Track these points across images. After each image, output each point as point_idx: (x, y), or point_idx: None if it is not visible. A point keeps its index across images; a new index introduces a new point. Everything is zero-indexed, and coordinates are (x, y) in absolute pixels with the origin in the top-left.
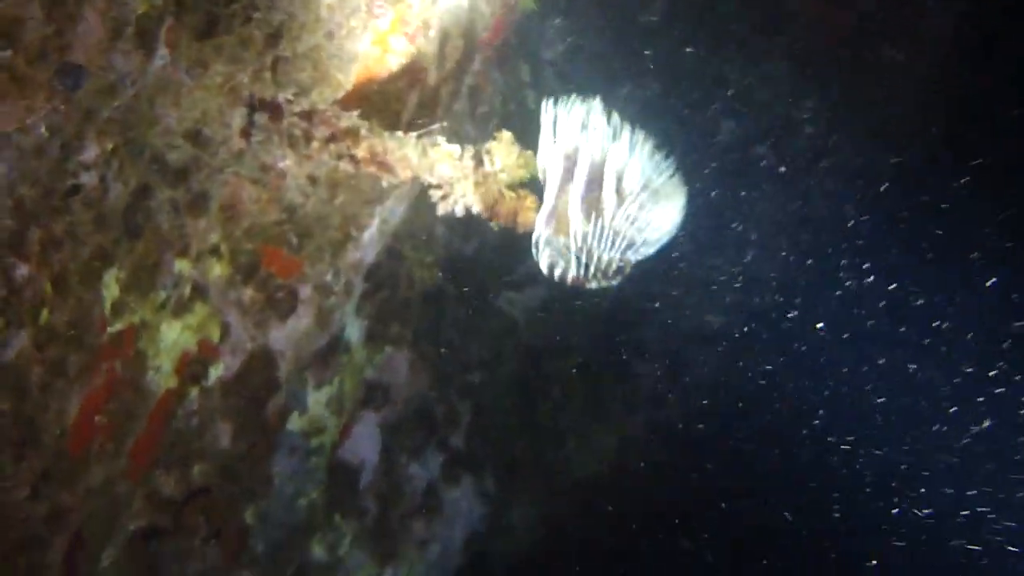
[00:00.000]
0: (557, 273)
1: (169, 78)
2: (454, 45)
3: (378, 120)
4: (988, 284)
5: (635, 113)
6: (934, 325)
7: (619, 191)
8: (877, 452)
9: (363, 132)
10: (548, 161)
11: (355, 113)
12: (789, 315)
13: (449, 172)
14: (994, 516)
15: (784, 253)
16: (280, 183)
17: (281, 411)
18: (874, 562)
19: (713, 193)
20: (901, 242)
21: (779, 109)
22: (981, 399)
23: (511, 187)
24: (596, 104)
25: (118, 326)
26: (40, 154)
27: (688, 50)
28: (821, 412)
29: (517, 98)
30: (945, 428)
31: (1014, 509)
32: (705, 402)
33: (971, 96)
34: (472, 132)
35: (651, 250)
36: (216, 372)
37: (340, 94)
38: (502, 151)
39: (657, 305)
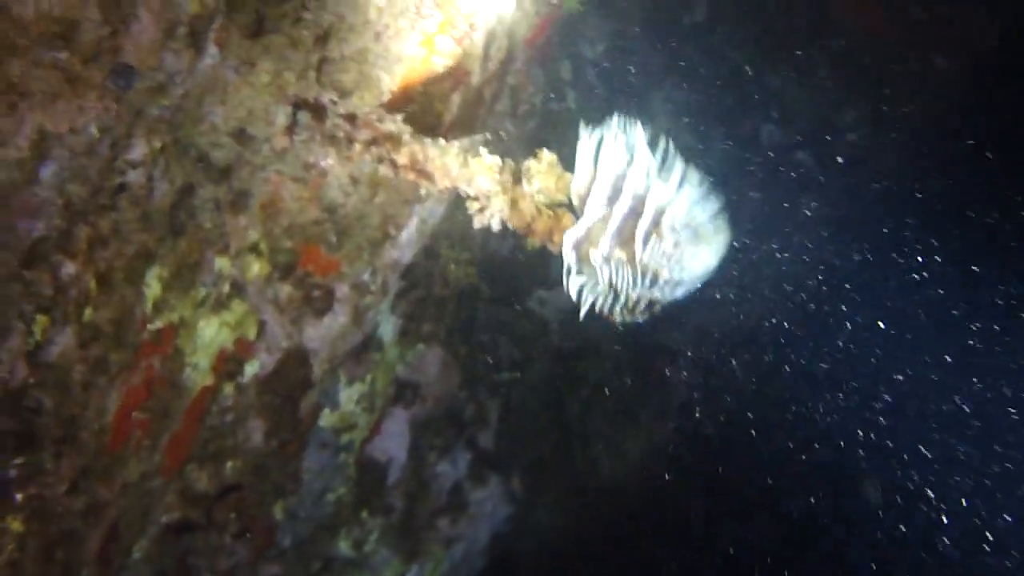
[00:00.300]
0: (584, 301)
1: (217, 76)
2: (499, 45)
3: (421, 121)
4: None
5: (674, 113)
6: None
7: (658, 226)
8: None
9: (405, 138)
10: (584, 185)
11: (399, 117)
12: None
13: (487, 185)
14: None
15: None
16: (321, 182)
17: (314, 409)
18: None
19: (751, 195)
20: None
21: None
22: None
23: (549, 205)
24: (640, 130)
25: (158, 324)
26: (90, 153)
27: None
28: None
29: (558, 96)
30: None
31: None
32: (736, 408)
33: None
34: (513, 130)
35: (683, 291)
36: (252, 369)
37: (384, 97)
38: (542, 172)
39: (691, 309)
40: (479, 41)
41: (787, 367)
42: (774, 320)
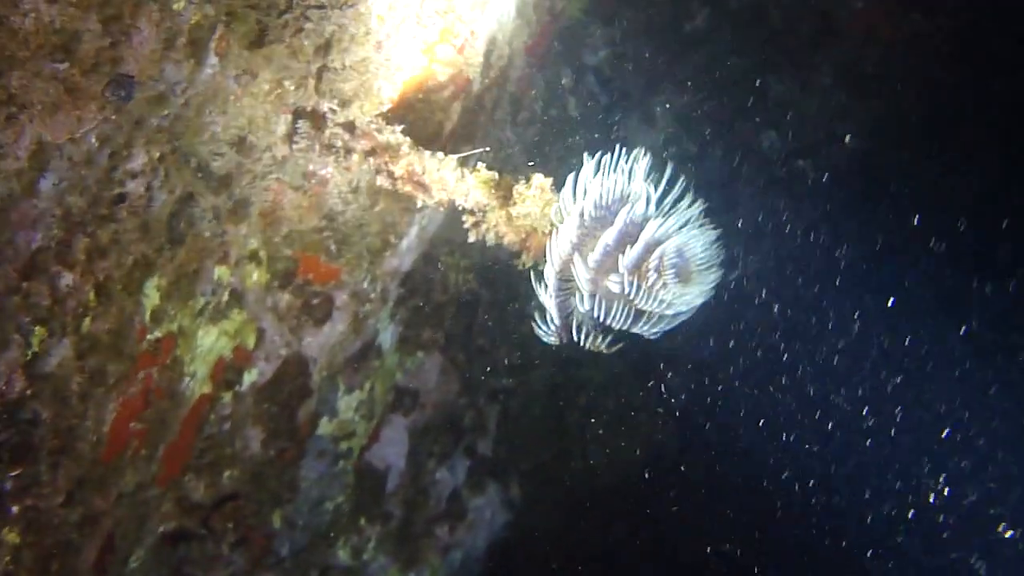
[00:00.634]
0: (553, 325)
1: (218, 86)
2: (499, 53)
3: (422, 129)
4: None
5: (674, 120)
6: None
7: (646, 263)
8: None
9: (403, 149)
10: (572, 211)
11: (399, 128)
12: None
13: (483, 200)
14: None
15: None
16: (321, 190)
17: (312, 417)
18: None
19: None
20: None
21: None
22: None
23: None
24: (642, 161)
25: (157, 333)
26: (89, 164)
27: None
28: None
29: (558, 103)
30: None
31: None
32: (737, 412)
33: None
34: (513, 138)
35: (657, 330)
36: (250, 378)
37: (385, 107)
38: (530, 197)
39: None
40: (480, 49)
41: (785, 370)
42: (773, 323)
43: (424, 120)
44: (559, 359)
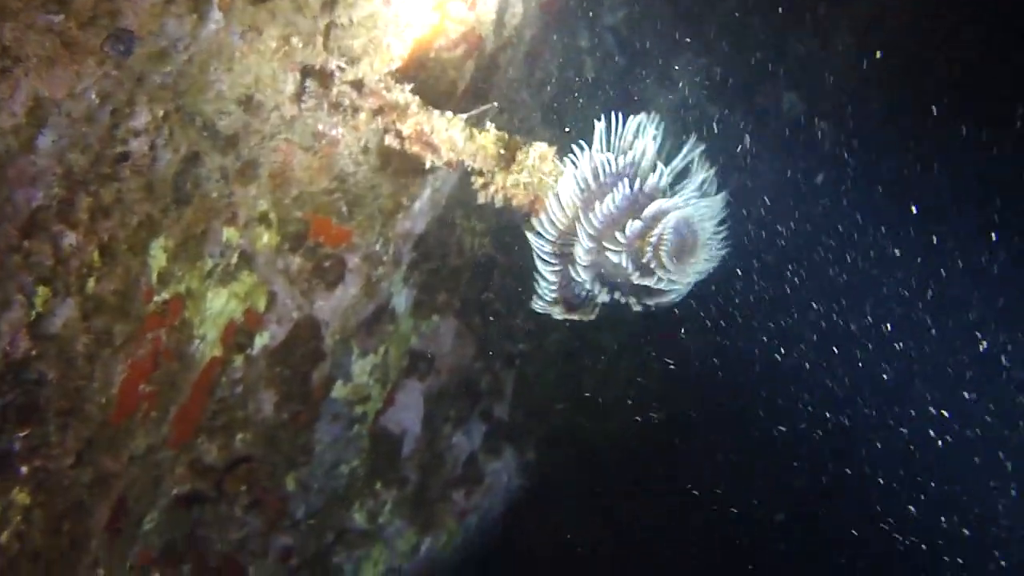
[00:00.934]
0: (545, 283)
1: (222, 42)
2: (514, 11)
3: (434, 88)
4: None
5: (693, 81)
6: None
7: (647, 237)
8: None
9: (412, 108)
10: (573, 177)
11: (408, 87)
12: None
13: (492, 161)
14: None
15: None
16: (332, 151)
17: (326, 380)
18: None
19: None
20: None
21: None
22: None
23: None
24: (651, 129)
25: (164, 295)
26: (90, 121)
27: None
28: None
29: (574, 64)
30: None
31: None
32: (754, 374)
33: None
34: (528, 99)
35: (655, 302)
36: (262, 341)
37: (395, 64)
38: (530, 167)
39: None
40: (493, 6)
41: (802, 332)
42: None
43: (436, 79)
44: (575, 323)
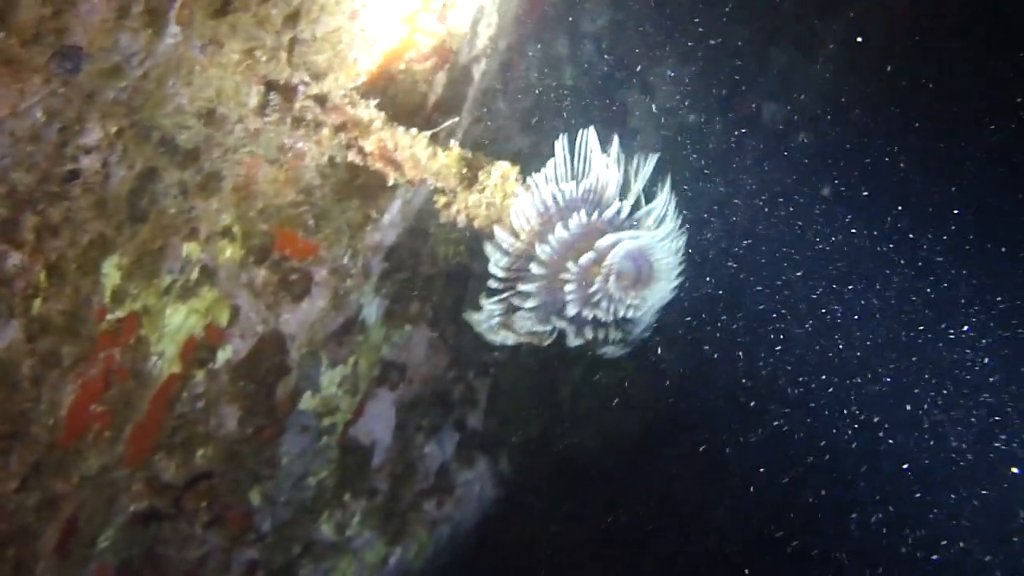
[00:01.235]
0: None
1: (181, 56)
2: (488, 22)
3: (404, 101)
4: None
5: (674, 90)
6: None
7: (602, 261)
8: None
9: (376, 124)
10: (533, 200)
11: (372, 102)
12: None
13: (455, 181)
14: None
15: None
16: (298, 164)
17: (291, 394)
18: None
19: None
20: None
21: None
22: None
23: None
24: (612, 152)
25: (118, 314)
26: (36, 139)
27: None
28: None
29: (553, 73)
30: None
31: None
32: (733, 384)
33: None
34: (505, 108)
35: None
36: (224, 355)
37: (361, 79)
38: (492, 186)
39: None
40: (466, 18)
41: (783, 343)
42: (770, 302)
43: (406, 92)
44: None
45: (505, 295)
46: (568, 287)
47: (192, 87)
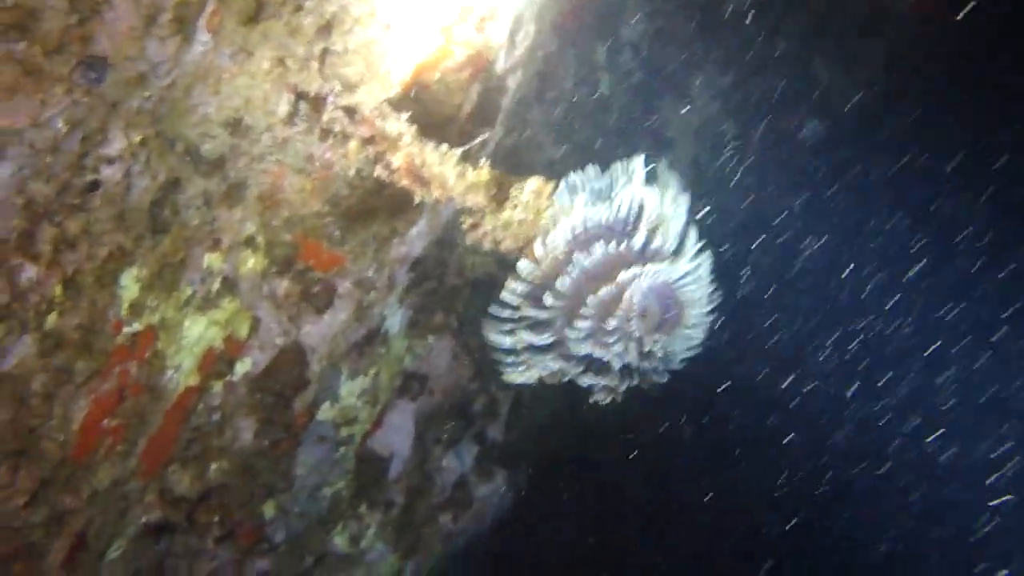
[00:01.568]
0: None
1: (210, 65)
2: (526, 31)
3: (437, 112)
4: None
5: (712, 100)
6: None
7: (625, 298)
8: None
9: (405, 139)
10: (563, 224)
11: (403, 115)
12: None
13: (482, 202)
14: None
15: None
16: (326, 174)
17: (309, 407)
18: None
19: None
20: None
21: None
22: None
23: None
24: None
25: (136, 327)
26: (56, 150)
27: None
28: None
29: (590, 81)
30: None
31: None
32: (752, 408)
33: None
34: (540, 118)
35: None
36: (243, 368)
37: (393, 92)
38: (524, 203)
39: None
40: (504, 28)
41: (813, 370)
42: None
43: (440, 102)
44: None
45: (513, 326)
46: (580, 323)
47: (220, 96)
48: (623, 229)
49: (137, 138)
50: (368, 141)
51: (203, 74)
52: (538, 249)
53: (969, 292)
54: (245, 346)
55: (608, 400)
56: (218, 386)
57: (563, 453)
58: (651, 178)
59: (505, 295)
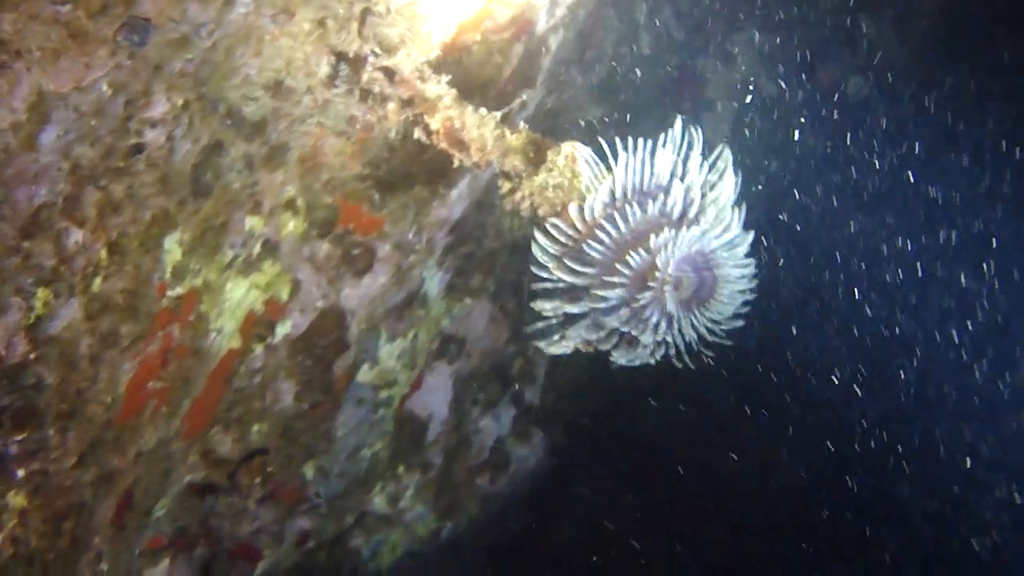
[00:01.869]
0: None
1: (251, 26)
2: None
3: (478, 73)
4: None
5: (754, 59)
6: None
7: (658, 266)
8: None
9: (445, 101)
10: (601, 189)
11: (444, 78)
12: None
13: (521, 165)
14: None
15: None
16: (366, 136)
17: (349, 369)
18: None
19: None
20: None
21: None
22: None
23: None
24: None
25: (179, 290)
26: (100, 113)
27: None
28: None
29: (630, 40)
30: None
31: None
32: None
33: None
34: (580, 79)
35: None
36: (283, 330)
37: (434, 54)
38: (559, 167)
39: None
40: None
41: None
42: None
43: (481, 63)
44: None
45: (550, 293)
46: (612, 290)
47: (261, 57)
48: (663, 198)
49: (180, 101)
50: (407, 103)
51: (245, 35)
52: (573, 212)
53: None
54: (286, 309)
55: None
56: (259, 349)
57: (599, 415)
58: (701, 149)
59: (537, 253)
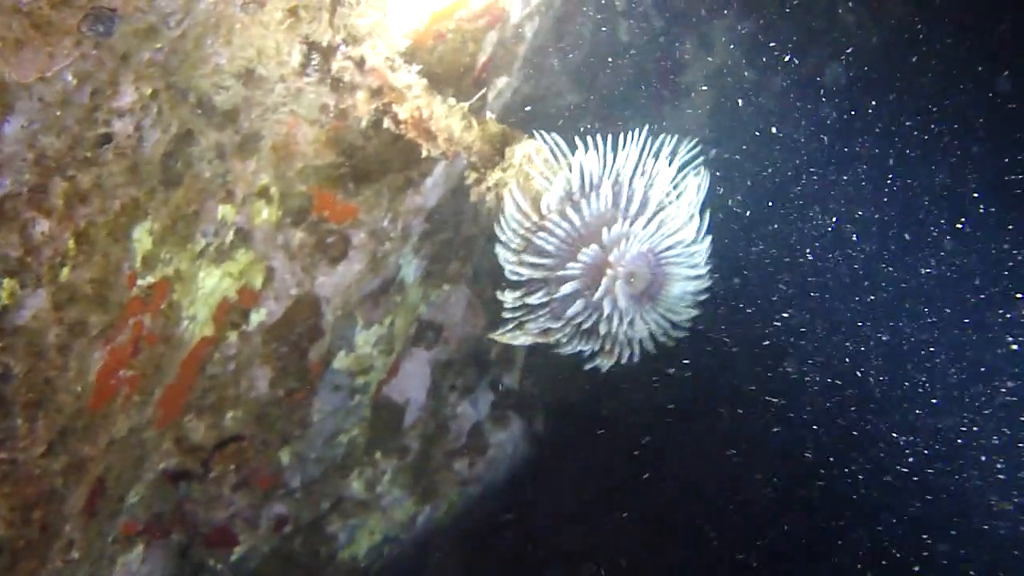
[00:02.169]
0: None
1: (221, 15)
2: None
3: (453, 61)
4: None
5: (733, 46)
6: None
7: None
8: None
9: (413, 91)
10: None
11: (414, 68)
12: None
13: (488, 155)
14: None
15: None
16: (340, 125)
17: (324, 356)
18: None
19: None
20: None
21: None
22: None
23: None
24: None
25: (149, 279)
26: (66, 103)
27: None
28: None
29: (608, 26)
30: None
31: None
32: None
33: None
34: (557, 65)
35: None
36: (258, 318)
37: (405, 42)
38: (514, 166)
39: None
40: None
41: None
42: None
43: (455, 51)
44: None
45: (517, 290)
46: (565, 286)
47: (232, 46)
48: (621, 193)
49: (148, 90)
50: (376, 92)
51: (215, 24)
52: (530, 205)
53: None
54: (260, 296)
55: (605, 367)
56: (233, 336)
57: (578, 401)
58: (672, 146)
59: (497, 247)
